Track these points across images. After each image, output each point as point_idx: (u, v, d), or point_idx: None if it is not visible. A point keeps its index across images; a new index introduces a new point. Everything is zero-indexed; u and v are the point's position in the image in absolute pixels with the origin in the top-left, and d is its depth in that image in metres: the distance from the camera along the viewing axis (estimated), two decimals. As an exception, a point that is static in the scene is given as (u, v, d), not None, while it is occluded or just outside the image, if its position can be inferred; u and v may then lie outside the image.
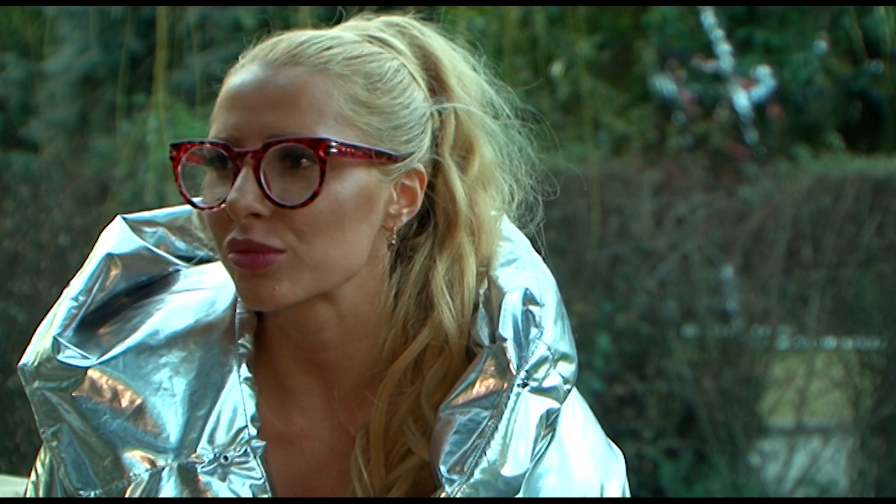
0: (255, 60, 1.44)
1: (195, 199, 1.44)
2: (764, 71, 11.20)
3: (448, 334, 1.46)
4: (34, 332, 1.52)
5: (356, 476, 1.44)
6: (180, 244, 1.58)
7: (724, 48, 11.14)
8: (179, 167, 1.43)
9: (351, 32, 1.48)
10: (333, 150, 1.39)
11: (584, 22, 8.56)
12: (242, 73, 1.44)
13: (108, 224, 1.56)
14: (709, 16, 11.07)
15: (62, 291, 1.51)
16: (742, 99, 11.21)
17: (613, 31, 10.85)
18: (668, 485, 6.25)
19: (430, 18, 1.53)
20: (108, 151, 7.69)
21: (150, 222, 1.58)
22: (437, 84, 1.49)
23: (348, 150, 1.40)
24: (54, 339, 1.45)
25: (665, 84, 11.15)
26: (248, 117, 1.40)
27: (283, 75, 1.41)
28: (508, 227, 1.54)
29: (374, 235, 1.44)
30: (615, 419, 6.14)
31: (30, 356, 1.46)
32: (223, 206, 1.38)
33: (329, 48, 1.44)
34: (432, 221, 1.49)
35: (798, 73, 10.71)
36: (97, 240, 1.54)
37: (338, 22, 1.54)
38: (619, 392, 6.26)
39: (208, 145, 1.41)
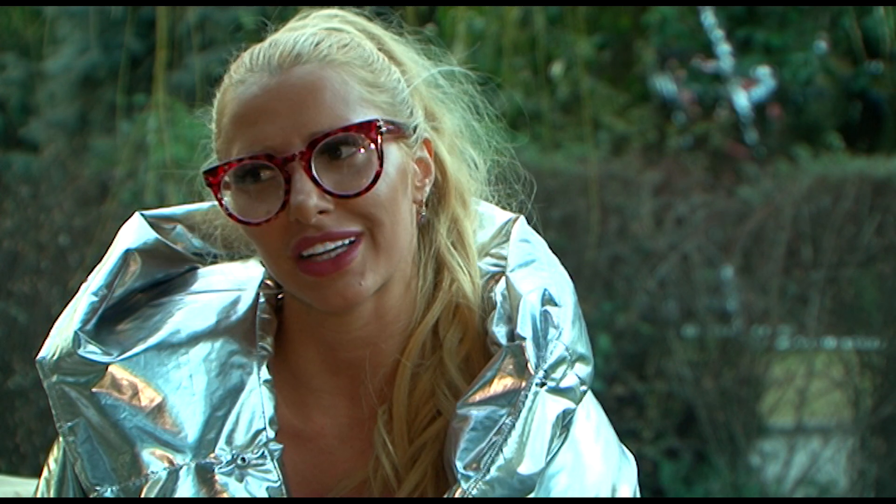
0: (254, 72, 1.44)
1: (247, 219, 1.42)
2: (764, 71, 11.18)
3: (463, 292, 1.48)
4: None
5: (381, 448, 1.45)
6: (197, 242, 1.59)
7: (724, 48, 11.13)
8: (220, 193, 1.42)
9: (314, 30, 1.49)
10: (383, 129, 1.41)
11: (584, 22, 8.55)
12: (248, 87, 1.43)
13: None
14: (709, 16, 11.06)
15: (71, 287, 1.52)
16: (742, 99, 11.19)
17: (613, 31, 10.84)
18: (668, 485, 6.25)
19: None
20: (108, 151, 7.69)
21: (168, 219, 1.58)
22: (394, 63, 1.52)
23: (389, 126, 1.43)
24: (75, 333, 1.45)
25: (665, 84, 11.13)
26: (279, 124, 1.40)
27: (296, 75, 1.42)
28: (526, 229, 1.56)
29: (410, 211, 1.47)
30: (615, 419, 6.11)
31: (49, 350, 1.46)
32: (280, 214, 1.39)
33: (319, 42, 1.45)
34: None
35: (798, 73, 10.70)
36: (114, 236, 1.54)
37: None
38: (619, 392, 6.26)
39: (247, 161, 1.40)
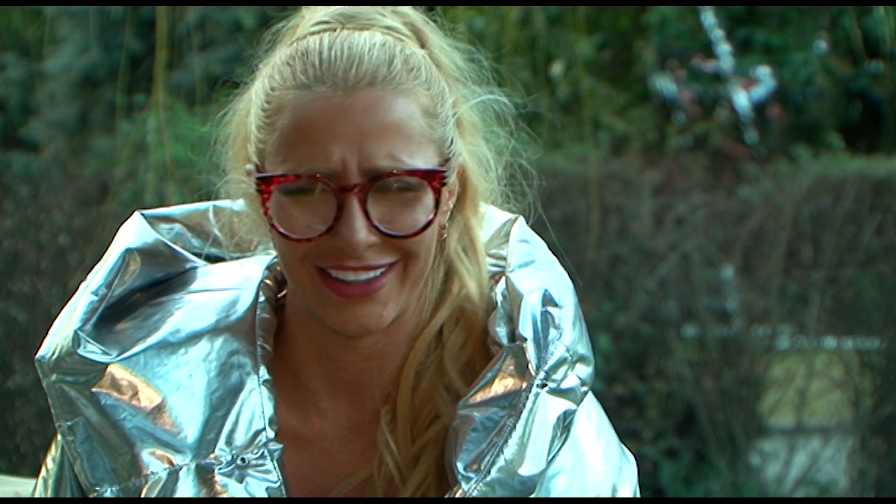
0: (323, 82, 1.41)
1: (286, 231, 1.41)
2: (764, 71, 11.19)
3: (471, 297, 1.48)
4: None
5: (384, 447, 1.45)
6: (196, 241, 1.59)
7: (724, 48, 11.13)
8: (269, 202, 1.41)
9: (378, 33, 1.46)
10: (446, 181, 1.41)
11: (584, 22, 8.55)
12: (315, 99, 1.40)
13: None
14: (709, 16, 11.06)
15: (71, 287, 1.51)
16: (742, 99, 11.20)
17: (613, 31, 10.84)
18: (668, 485, 6.25)
19: (430, 19, 1.54)
20: (108, 151, 7.69)
21: (168, 218, 1.58)
22: (434, 63, 1.50)
23: (445, 173, 1.42)
24: (75, 332, 1.44)
25: (665, 84, 11.14)
26: (342, 149, 1.38)
27: (364, 100, 1.40)
28: (525, 230, 1.56)
29: (436, 236, 1.47)
30: (615, 419, 6.10)
31: (48, 349, 1.45)
32: (323, 236, 1.38)
33: (391, 61, 1.42)
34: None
35: (798, 73, 10.70)
36: (114, 235, 1.54)
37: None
38: (619, 392, 6.25)
39: (305, 178, 1.39)
